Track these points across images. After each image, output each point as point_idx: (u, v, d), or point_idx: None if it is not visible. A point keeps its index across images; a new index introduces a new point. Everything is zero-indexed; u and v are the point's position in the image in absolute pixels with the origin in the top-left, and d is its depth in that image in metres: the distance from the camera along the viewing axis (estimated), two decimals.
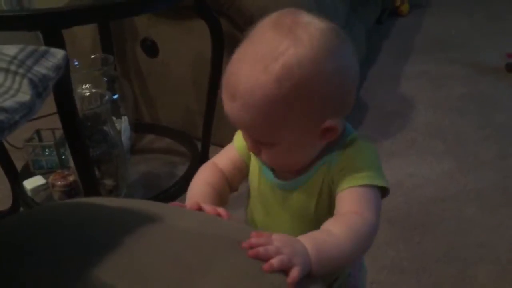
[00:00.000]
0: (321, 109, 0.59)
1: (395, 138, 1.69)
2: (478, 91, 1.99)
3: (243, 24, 1.43)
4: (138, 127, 1.69)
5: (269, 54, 0.56)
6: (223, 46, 1.36)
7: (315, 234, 0.56)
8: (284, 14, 0.61)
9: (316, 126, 0.60)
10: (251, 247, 0.50)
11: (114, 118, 1.37)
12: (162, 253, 0.50)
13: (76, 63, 1.33)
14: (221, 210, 0.62)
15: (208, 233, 0.53)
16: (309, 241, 0.54)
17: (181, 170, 1.56)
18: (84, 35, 1.70)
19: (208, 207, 0.61)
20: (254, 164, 0.71)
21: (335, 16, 1.69)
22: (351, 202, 0.60)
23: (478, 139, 1.69)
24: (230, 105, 0.59)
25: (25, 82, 0.51)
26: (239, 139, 0.72)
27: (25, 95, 0.50)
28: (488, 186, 1.46)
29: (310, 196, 0.66)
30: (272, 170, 0.68)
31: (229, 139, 1.75)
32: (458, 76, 2.10)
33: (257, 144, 0.63)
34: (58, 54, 0.57)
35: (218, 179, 0.71)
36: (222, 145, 1.63)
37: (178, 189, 1.38)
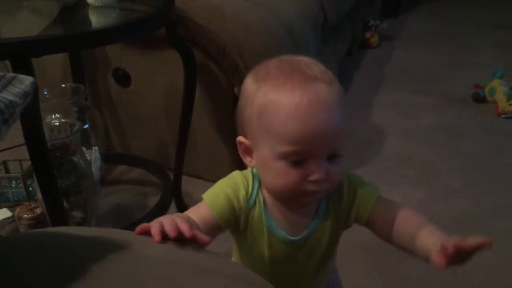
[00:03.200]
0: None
1: (367, 166, 1.71)
2: (446, 121, 2.03)
3: (216, 54, 1.44)
4: (109, 158, 1.66)
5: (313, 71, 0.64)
6: (196, 76, 1.37)
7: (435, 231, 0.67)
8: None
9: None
10: None
11: (84, 148, 1.35)
12: (129, 281, 0.48)
13: (45, 92, 1.31)
14: (197, 232, 0.57)
15: (177, 260, 0.52)
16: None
17: (153, 201, 1.53)
18: (54, 64, 1.68)
19: (183, 225, 0.56)
20: (257, 233, 0.71)
21: (306, 48, 1.72)
22: (388, 209, 0.70)
23: (448, 167, 1.72)
24: (321, 120, 0.62)
25: None
26: (217, 204, 0.69)
27: None
28: (458, 214, 1.48)
29: (325, 237, 0.72)
30: (282, 230, 0.71)
31: (200, 168, 1.74)
32: (427, 106, 2.15)
33: (326, 164, 0.64)
34: (25, 80, 0.56)
35: (188, 217, 0.69)
36: (194, 175, 1.64)
37: (149, 220, 1.34)
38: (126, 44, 1.58)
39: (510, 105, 2.01)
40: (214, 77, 1.51)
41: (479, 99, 2.15)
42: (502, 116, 2.02)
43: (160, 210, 1.40)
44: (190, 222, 0.62)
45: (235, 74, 1.45)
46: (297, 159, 0.63)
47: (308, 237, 0.71)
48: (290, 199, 0.68)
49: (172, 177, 1.51)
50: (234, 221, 0.71)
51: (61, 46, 1.09)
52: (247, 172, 0.73)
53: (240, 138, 0.70)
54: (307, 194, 0.65)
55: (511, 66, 2.40)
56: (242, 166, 1.82)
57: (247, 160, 0.70)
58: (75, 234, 0.55)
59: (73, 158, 1.19)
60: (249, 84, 0.67)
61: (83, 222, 1.24)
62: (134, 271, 0.50)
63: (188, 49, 1.34)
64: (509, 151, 1.80)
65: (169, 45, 1.35)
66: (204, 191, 1.73)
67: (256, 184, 0.71)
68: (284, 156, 0.63)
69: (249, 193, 0.71)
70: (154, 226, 0.57)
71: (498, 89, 2.10)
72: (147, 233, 0.57)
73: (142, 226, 0.59)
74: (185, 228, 0.56)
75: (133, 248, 0.53)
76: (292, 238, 0.71)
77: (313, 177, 0.64)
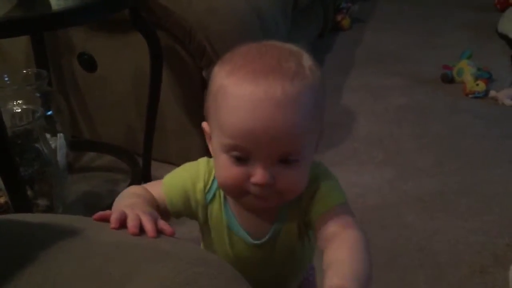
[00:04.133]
0: (324, 111, 0.62)
1: (337, 148, 1.72)
2: (416, 102, 2.05)
3: (182, 37, 1.42)
4: (77, 145, 1.63)
5: (287, 58, 0.58)
6: (161, 60, 1.35)
7: (343, 270, 0.52)
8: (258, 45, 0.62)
9: (320, 126, 0.62)
10: None
11: (49, 135, 1.32)
12: (81, 267, 0.47)
13: (6, 78, 1.28)
14: (162, 223, 0.56)
15: (133, 244, 0.51)
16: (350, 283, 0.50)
17: (122, 188, 1.48)
18: (17, 50, 1.64)
19: (148, 223, 0.54)
20: (217, 230, 0.67)
21: (277, 30, 1.71)
22: (334, 223, 0.60)
23: (416, 148, 1.74)
24: (269, 117, 0.54)
25: None
26: (172, 194, 0.66)
27: None
28: (426, 193, 1.50)
29: (291, 240, 0.66)
30: (245, 231, 0.66)
31: (170, 154, 1.73)
32: (397, 88, 2.17)
33: (277, 167, 0.57)
34: None
35: (149, 195, 0.67)
36: (165, 160, 1.62)
37: None
38: (90, 28, 1.55)
39: (477, 85, 2.04)
40: (181, 60, 1.49)
41: (448, 79, 2.18)
42: (470, 96, 2.05)
43: None
44: (153, 215, 0.58)
45: (202, 57, 1.44)
46: (238, 155, 0.57)
47: (273, 240, 0.66)
48: (235, 198, 0.63)
49: (141, 163, 1.50)
50: (191, 214, 0.67)
51: (21, 29, 1.06)
52: (210, 163, 0.67)
53: (203, 124, 0.65)
54: (250, 195, 0.59)
55: (479, 47, 2.43)
56: (209, 151, 1.80)
57: (210, 148, 0.65)
58: (25, 221, 0.54)
59: (36, 145, 1.17)
60: (216, 66, 0.62)
61: (49, 210, 1.22)
62: (87, 256, 0.49)
63: (152, 32, 1.32)
64: (475, 131, 1.83)
65: (133, 28, 1.32)
66: None
67: None
68: (226, 150, 0.58)
69: (208, 186, 0.66)
70: (115, 214, 0.55)
71: (466, 69, 2.12)
72: (105, 220, 0.56)
73: (101, 213, 0.57)
74: (149, 228, 0.54)
75: (87, 233, 0.52)
76: (254, 242, 0.66)
77: (254, 179, 0.57)
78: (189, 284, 0.48)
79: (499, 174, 1.58)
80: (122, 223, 0.55)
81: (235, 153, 0.57)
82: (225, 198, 0.66)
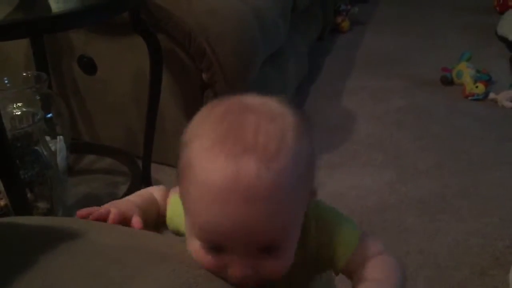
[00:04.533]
0: (314, 171, 0.53)
1: (337, 150, 1.72)
2: (415, 104, 2.06)
3: (182, 39, 1.42)
4: (77, 147, 1.63)
5: (266, 130, 0.48)
6: (161, 62, 1.35)
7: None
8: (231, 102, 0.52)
9: (308, 194, 0.53)
10: None
11: (49, 138, 1.32)
12: (82, 269, 0.47)
13: (6, 81, 1.28)
14: (135, 219, 0.59)
15: (131, 246, 0.51)
16: None
17: (122, 190, 1.51)
18: (17, 53, 1.64)
19: (114, 211, 0.58)
20: None
21: (276, 32, 1.71)
22: (367, 262, 0.55)
23: (416, 149, 1.74)
24: (240, 212, 0.46)
25: None
26: (172, 217, 0.64)
27: None
28: (426, 195, 1.50)
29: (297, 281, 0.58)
30: None
31: (170, 156, 1.73)
32: (397, 90, 2.17)
33: (258, 256, 0.49)
34: None
35: (153, 199, 0.66)
36: (164, 163, 1.62)
37: None
38: (90, 31, 1.55)
39: (476, 87, 2.05)
40: (181, 62, 1.49)
41: (447, 81, 2.18)
42: (469, 98, 2.06)
43: None
44: (127, 212, 0.60)
45: (202, 59, 1.44)
46: (212, 246, 0.49)
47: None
48: None
49: (141, 165, 1.50)
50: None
51: (21, 31, 1.06)
52: None
53: (174, 190, 0.59)
54: (232, 281, 0.51)
55: (478, 49, 2.44)
56: None
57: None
58: (25, 224, 0.54)
59: (36, 148, 1.17)
60: (186, 129, 0.52)
61: (49, 213, 1.21)
62: (88, 259, 0.49)
63: (152, 35, 1.32)
64: (475, 133, 1.83)
65: (134, 31, 1.33)
66: (173, 178, 1.72)
67: None
68: (197, 237, 0.50)
69: None
70: (90, 208, 0.60)
71: (465, 72, 2.12)
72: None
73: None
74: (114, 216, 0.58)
75: (87, 236, 0.52)
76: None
77: (231, 272, 0.49)
78: (189, 287, 0.48)
79: (498, 176, 1.58)
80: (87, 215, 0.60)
81: (208, 244, 0.49)
82: None
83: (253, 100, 0.52)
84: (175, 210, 0.63)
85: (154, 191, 0.68)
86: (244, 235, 0.46)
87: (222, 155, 0.46)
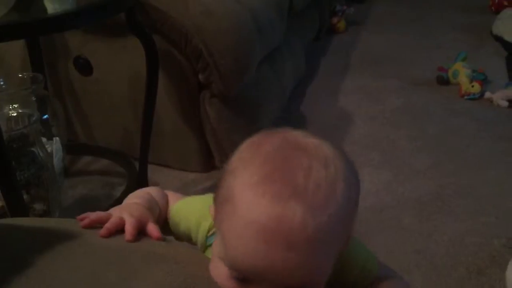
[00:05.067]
0: (354, 224, 0.53)
1: None
2: (412, 104, 2.06)
3: (178, 40, 1.42)
4: (73, 148, 1.63)
5: (315, 175, 0.47)
6: (157, 63, 1.35)
7: None
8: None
9: (343, 246, 0.52)
10: None
11: (45, 139, 1.32)
12: (79, 271, 0.47)
13: (1, 82, 1.27)
14: (151, 226, 0.56)
15: (129, 248, 0.51)
16: None
17: (119, 191, 1.51)
18: (13, 54, 1.63)
19: (129, 226, 0.54)
20: None
21: (273, 33, 1.71)
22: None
23: (413, 149, 1.74)
24: (278, 255, 0.45)
25: None
26: (176, 228, 0.64)
27: None
28: (423, 195, 1.50)
29: None
30: None
31: (167, 157, 1.73)
32: (393, 90, 2.18)
33: None
34: None
35: (156, 199, 0.66)
36: (161, 164, 1.62)
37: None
38: (86, 32, 1.55)
39: (472, 86, 2.05)
40: (177, 64, 1.49)
41: (443, 81, 2.19)
42: (465, 97, 2.06)
43: None
44: (142, 218, 0.57)
45: (198, 60, 1.44)
46: (239, 277, 0.48)
47: None
48: None
49: (138, 166, 1.50)
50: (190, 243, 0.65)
51: (17, 33, 1.06)
52: None
53: (210, 208, 0.57)
54: None
55: (474, 49, 2.45)
56: (208, 154, 1.79)
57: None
58: (21, 225, 0.54)
59: (32, 149, 1.17)
60: (233, 158, 0.51)
61: (45, 214, 1.21)
62: (84, 261, 0.49)
63: (148, 36, 1.32)
64: (471, 132, 1.84)
65: (130, 32, 1.33)
66: (170, 179, 1.70)
67: None
68: (228, 266, 0.49)
69: (212, 231, 0.60)
70: (95, 215, 0.57)
71: (461, 71, 2.13)
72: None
73: (84, 215, 0.58)
74: (128, 231, 0.54)
75: (83, 237, 0.52)
76: None
77: None
78: (191, 286, 0.48)
79: (495, 175, 1.58)
80: (96, 223, 0.55)
81: (235, 273, 0.48)
82: None
83: (307, 139, 0.50)
84: (177, 220, 0.63)
85: (152, 192, 0.67)
86: (277, 276, 0.46)
87: (269, 194, 0.45)
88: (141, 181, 1.48)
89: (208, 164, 1.61)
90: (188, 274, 0.50)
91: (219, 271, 0.50)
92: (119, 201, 1.39)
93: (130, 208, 0.59)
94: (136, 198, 0.64)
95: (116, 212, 0.57)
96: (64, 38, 1.59)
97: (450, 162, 1.66)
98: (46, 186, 1.20)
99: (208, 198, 0.63)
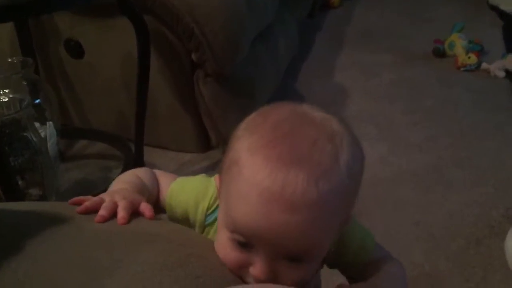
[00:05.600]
0: (355, 199, 0.54)
1: None
2: (408, 77, 2.05)
3: (169, 20, 1.40)
4: (68, 132, 1.62)
5: (321, 146, 0.48)
6: (149, 44, 1.33)
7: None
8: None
9: (344, 220, 0.54)
10: None
11: (38, 124, 1.30)
12: (69, 255, 0.46)
13: None
14: (144, 205, 0.56)
15: (121, 230, 0.50)
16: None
17: (116, 174, 1.50)
18: (1, 38, 1.61)
19: (122, 211, 0.53)
20: None
21: (265, 9, 1.68)
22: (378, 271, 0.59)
23: (409, 123, 1.73)
24: (279, 218, 0.46)
25: None
26: (172, 209, 0.63)
27: None
28: (420, 167, 1.50)
29: None
30: None
31: (162, 139, 1.72)
32: (389, 64, 2.16)
33: (282, 263, 0.49)
34: None
35: (145, 182, 0.64)
36: (157, 145, 1.61)
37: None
38: (76, 14, 1.52)
39: (469, 58, 2.04)
40: (169, 44, 1.47)
41: (439, 53, 2.17)
42: (462, 69, 2.05)
43: None
44: (134, 202, 0.56)
45: (191, 39, 1.42)
46: (242, 241, 0.49)
47: None
48: None
49: (133, 148, 1.49)
50: (187, 226, 0.63)
51: (6, 15, 1.05)
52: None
53: (216, 178, 0.58)
54: (249, 282, 0.52)
55: (470, 19, 2.42)
56: (204, 135, 1.78)
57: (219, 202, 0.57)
58: (12, 210, 0.53)
59: (25, 134, 1.15)
60: (241, 126, 0.53)
61: (41, 199, 1.21)
62: (75, 244, 0.49)
63: (139, 16, 1.29)
64: (468, 104, 1.83)
65: (120, 12, 1.30)
66: (167, 161, 1.69)
67: None
68: (229, 229, 0.50)
69: (212, 208, 0.61)
70: (90, 201, 0.55)
71: (457, 42, 2.11)
72: (79, 204, 0.55)
73: (76, 199, 0.57)
74: (120, 215, 0.53)
75: (75, 221, 0.51)
76: None
77: (252, 271, 0.50)
78: (181, 266, 0.47)
79: (492, 146, 1.58)
80: (92, 210, 0.54)
81: (237, 237, 0.49)
82: None
83: (314, 113, 0.52)
84: (174, 204, 0.62)
85: (141, 174, 0.65)
86: (277, 239, 0.47)
87: (274, 158, 0.46)
88: (138, 164, 1.47)
89: (204, 144, 1.61)
90: (182, 252, 0.50)
91: (222, 239, 0.51)
92: None
93: (122, 191, 0.59)
94: (124, 183, 0.63)
95: (107, 197, 0.56)
96: (54, 21, 1.56)
97: (447, 134, 1.66)
98: (41, 171, 1.19)
99: (203, 178, 0.64)
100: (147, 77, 1.37)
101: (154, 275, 0.45)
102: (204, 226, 0.61)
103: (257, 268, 0.49)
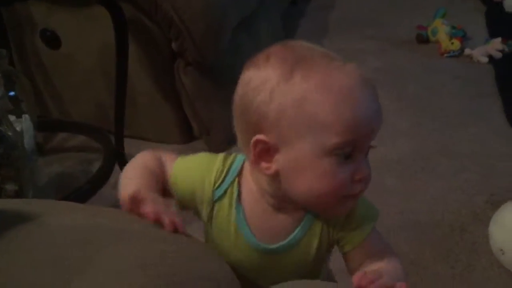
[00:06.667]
0: None
1: None
2: (391, 64, 2.03)
3: (147, 7, 1.36)
4: (46, 125, 1.58)
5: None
6: (126, 33, 1.29)
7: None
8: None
9: None
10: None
11: (14, 117, 1.26)
12: (37, 254, 0.44)
13: None
14: (175, 221, 0.53)
15: (95, 225, 0.48)
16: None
17: (96, 167, 1.47)
18: None
19: (167, 218, 0.53)
20: (222, 230, 0.61)
21: None
22: (371, 256, 0.61)
23: (394, 110, 1.72)
24: (371, 107, 0.55)
25: None
26: (179, 187, 0.63)
27: None
28: (405, 154, 1.49)
29: (307, 253, 0.61)
30: (253, 234, 0.60)
31: (143, 130, 1.68)
32: (373, 51, 2.14)
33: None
34: None
35: (158, 171, 0.63)
36: (138, 136, 1.58)
37: (92, 187, 1.30)
38: (52, 2, 1.48)
39: (452, 43, 2.03)
40: (148, 32, 1.43)
41: (423, 40, 2.15)
42: (445, 55, 2.04)
43: (103, 175, 1.35)
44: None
45: (170, 27, 1.38)
46: (347, 151, 0.54)
47: (287, 248, 0.61)
48: (327, 208, 0.58)
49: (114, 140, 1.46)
50: (195, 207, 0.63)
51: None
52: (227, 161, 0.62)
53: (261, 137, 0.55)
54: (351, 198, 0.56)
55: (452, 5, 2.40)
56: (186, 125, 1.75)
57: (262, 166, 0.56)
58: None
59: None
60: (262, 71, 0.57)
61: (18, 195, 1.17)
62: (44, 243, 0.46)
63: (115, 3, 1.26)
64: (451, 90, 1.82)
65: (96, 0, 1.26)
66: None
67: (233, 176, 0.60)
68: (334, 150, 0.53)
69: (219, 182, 0.60)
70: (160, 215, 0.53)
71: (440, 28, 2.10)
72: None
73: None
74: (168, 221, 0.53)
75: (44, 218, 0.49)
76: (264, 246, 0.60)
77: (361, 174, 0.55)
78: (155, 264, 0.45)
79: (476, 133, 1.58)
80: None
81: (341, 151, 0.53)
82: (238, 197, 0.60)
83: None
84: (179, 183, 0.62)
85: (148, 163, 0.64)
86: (376, 125, 0.55)
87: (342, 65, 0.55)
88: (118, 156, 1.44)
89: (187, 134, 1.58)
90: (157, 246, 0.48)
91: (324, 169, 0.54)
92: (96, 177, 1.36)
93: (154, 198, 0.56)
94: (141, 179, 0.61)
95: (149, 207, 0.53)
96: (29, 10, 1.51)
97: (431, 121, 1.65)
98: (17, 165, 1.15)
99: (205, 154, 0.64)
100: (126, 67, 1.34)
101: (128, 273, 0.43)
102: (213, 203, 0.61)
103: (363, 170, 0.55)
